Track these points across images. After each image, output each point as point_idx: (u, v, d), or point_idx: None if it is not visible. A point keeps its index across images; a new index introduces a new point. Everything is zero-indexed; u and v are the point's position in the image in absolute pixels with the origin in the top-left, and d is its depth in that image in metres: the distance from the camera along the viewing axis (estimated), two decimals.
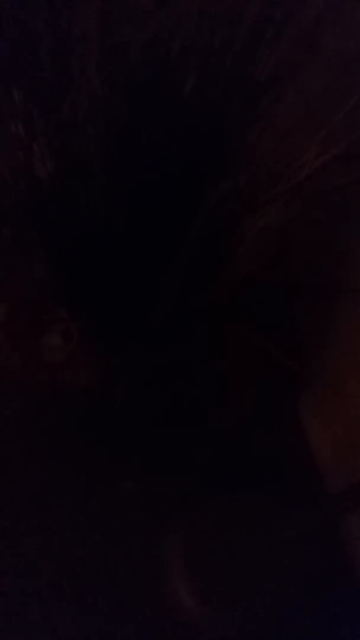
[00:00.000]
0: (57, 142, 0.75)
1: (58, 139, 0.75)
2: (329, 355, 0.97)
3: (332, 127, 0.57)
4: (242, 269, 0.81)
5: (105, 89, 0.64)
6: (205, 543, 0.86)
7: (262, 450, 0.95)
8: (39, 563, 0.80)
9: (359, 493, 0.75)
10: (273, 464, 0.94)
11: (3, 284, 0.81)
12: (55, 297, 0.82)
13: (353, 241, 0.81)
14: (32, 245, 0.81)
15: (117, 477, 0.89)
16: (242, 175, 0.66)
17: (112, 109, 0.66)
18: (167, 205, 0.75)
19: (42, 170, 0.79)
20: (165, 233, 0.77)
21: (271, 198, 0.65)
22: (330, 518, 0.90)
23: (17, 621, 0.77)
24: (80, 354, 0.86)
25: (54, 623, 0.77)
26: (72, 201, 0.79)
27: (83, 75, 0.60)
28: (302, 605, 0.83)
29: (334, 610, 0.84)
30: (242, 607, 0.82)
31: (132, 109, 0.66)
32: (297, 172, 0.61)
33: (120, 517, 0.86)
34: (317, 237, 0.82)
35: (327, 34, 0.58)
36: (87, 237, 0.81)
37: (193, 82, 0.62)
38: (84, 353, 0.86)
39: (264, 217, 0.69)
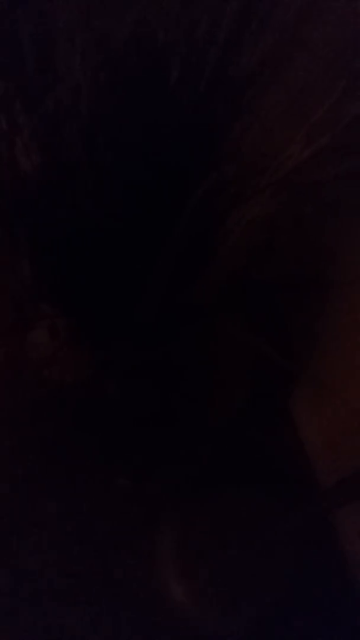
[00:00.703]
0: (42, 136, 0.75)
1: (42, 133, 0.74)
2: (320, 350, 0.97)
3: (316, 119, 0.56)
4: (230, 264, 0.81)
5: (89, 82, 0.63)
6: (199, 541, 0.87)
7: (255, 447, 0.95)
8: (34, 563, 0.80)
9: (348, 488, 0.75)
10: (266, 461, 0.94)
11: None
12: (41, 293, 0.81)
13: (342, 235, 0.81)
14: (18, 241, 0.80)
15: (111, 474, 0.89)
16: (229, 167, 0.66)
17: (97, 102, 0.65)
18: (153, 198, 0.74)
19: (27, 164, 0.78)
20: (152, 227, 0.77)
21: (258, 190, 0.65)
22: (322, 513, 0.90)
23: (13, 620, 0.76)
24: (67, 350, 0.85)
25: (49, 622, 0.77)
26: (58, 195, 0.78)
27: (66, 67, 0.59)
28: (296, 602, 0.84)
29: (326, 606, 0.85)
30: (236, 604, 0.83)
31: (116, 102, 0.65)
32: (283, 164, 0.61)
33: (115, 514, 0.86)
34: (306, 232, 0.82)
35: (313, 25, 0.58)
36: (74, 231, 0.80)
37: (177, 74, 0.62)
38: (71, 350, 0.86)
39: (251, 210, 0.69)
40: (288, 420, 1.05)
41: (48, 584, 0.79)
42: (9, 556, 0.80)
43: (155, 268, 0.80)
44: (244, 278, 0.85)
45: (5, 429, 0.84)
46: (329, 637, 0.81)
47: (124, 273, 0.81)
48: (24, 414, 0.85)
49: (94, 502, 0.86)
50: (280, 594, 0.83)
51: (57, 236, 0.80)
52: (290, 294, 0.92)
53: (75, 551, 0.82)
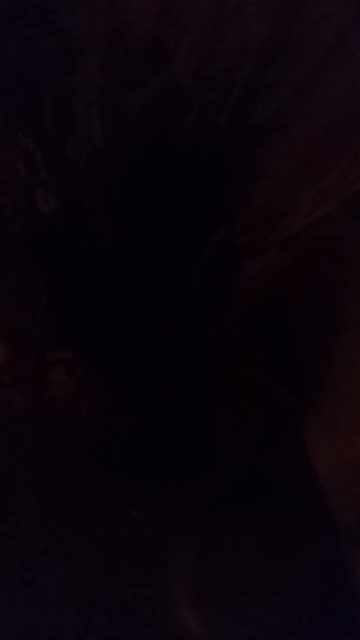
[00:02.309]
0: (60, 184, 0.78)
1: (61, 182, 0.77)
2: (334, 387, 0.98)
3: (324, 184, 0.59)
4: (243, 306, 0.83)
5: (107, 139, 0.66)
6: (210, 569, 0.87)
7: (268, 479, 0.95)
8: (46, 587, 0.81)
9: None
10: (280, 494, 0.95)
11: (5, 323, 0.83)
12: (58, 334, 0.84)
13: (353, 278, 0.83)
14: (34, 283, 0.83)
15: (122, 505, 0.90)
16: (239, 221, 0.68)
17: (113, 157, 0.68)
18: (167, 246, 0.77)
19: (46, 208, 0.82)
20: (166, 272, 0.79)
21: (269, 243, 0.67)
22: (338, 549, 0.90)
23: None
24: (83, 389, 0.87)
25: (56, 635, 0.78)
26: (74, 239, 0.81)
27: (85, 129, 0.62)
28: (312, 633, 0.84)
29: (336, 627, 0.85)
30: (246, 622, 0.83)
31: (132, 158, 0.68)
32: (292, 222, 0.63)
33: (126, 543, 0.87)
34: (318, 275, 0.84)
35: (321, 88, 0.60)
36: (89, 274, 0.83)
37: (191, 134, 0.64)
38: (87, 388, 0.88)
39: (263, 261, 0.71)
40: (303, 455, 1.05)
41: (57, 610, 0.81)
42: (21, 582, 0.82)
43: (169, 310, 0.83)
44: (257, 318, 0.87)
45: (25, 463, 0.86)
46: None
47: (139, 314, 0.84)
48: (42, 450, 0.87)
49: (106, 531, 0.88)
50: (294, 615, 0.83)
51: (73, 278, 0.83)
52: (303, 333, 0.93)
53: (85, 578, 0.83)
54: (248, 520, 0.89)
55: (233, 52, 0.55)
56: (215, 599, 0.84)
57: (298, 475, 0.99)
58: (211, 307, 0.84)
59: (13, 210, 0.83)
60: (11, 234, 0.83)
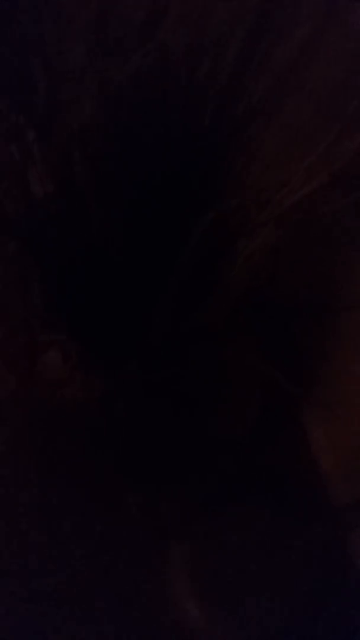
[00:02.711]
0: (53, 166, 0.78)
1: (53, 163, 0.77)
2: (331, 372, 0.98)
3: (314, 158, 0.58)
4: (236, 288, 0.83)
5: (97, 114, 0.66)
6: (209, 556, 0.87)
7: (266, 465, 0.95)
8: (43, 577, 0.81)
9: None
10: (277, 479, 0.95)
11: None
12: (52, 319, 0.84)
13: (351, 262, 0.82)
14: (29, 268, 0.83)
15: (121, 492, 0.90)
16: (232, 200, 0.68)
17: (104, 135, 0.68)
18: (160, 225, 0.77)
19: (40, 192, 0.81)
20: (160, 252, 0.79)
21: (260, 223, 0.67)
22: (334, 533, 0.90)
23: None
24: (78, 372, 0.87)
25: (53, 630, 0.78)
26: (69, 222, 0.81)
27: (76, 102, 0.62)
28: (309, 621, 0.83)
29: (336, 626, 0.85)
30: (246, 621, 0.83)
31: (123, 134, 0.68)
32: (284, 198, 0.63)
33: (124, 531, 0.87)
34: (315, 255, 0.83)
35: (313, 62, 0.60)
36: (84, 256, 0.83)
37: (181, 108, 0.64)
38: (82, 372, 0.88)
39: (255, 240, 0.71)
40: (300, 440, 1.05)
41: (55, 599, 0.81)
42: (18, 575, 0.82)
43: (164, 291, 0.83)
44: (252, 301, 0.86)
45: (20, 450, 0.86)
46: None
47: (133, 297, 0.84)
48: (37, 435, 0.87)
49: (105, 520, 0.87)
50: (294, 614, 0.83)
51: (67, 262, 0.83)
52: (299, 318, 0.93)
53: (85, 565, 0.83)
54: (246, 515, 0.89)
55: (223, 23, 0.55)
56: (216, 597, 0.84)
57: (297, 464, 0.99)
58: (205, 288, 0.84)
59: (7, 193, 0.82)
60: (4, 216, 0.83)
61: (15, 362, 0.81)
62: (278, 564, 0.85)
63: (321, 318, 0.92)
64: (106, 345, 0.88)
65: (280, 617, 0.82)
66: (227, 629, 0.83)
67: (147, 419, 0.93)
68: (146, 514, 0.88)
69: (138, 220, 0.76)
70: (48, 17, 0.56)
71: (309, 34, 0.58)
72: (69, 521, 0.85)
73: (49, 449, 0.90)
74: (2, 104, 0.74)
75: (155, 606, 0.82)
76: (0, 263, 0.82)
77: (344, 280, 0.83)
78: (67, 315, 0.86)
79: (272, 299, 0.88)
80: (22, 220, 0.83)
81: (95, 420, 0.92)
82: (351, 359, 0.90)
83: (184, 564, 0.85)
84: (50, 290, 0.82)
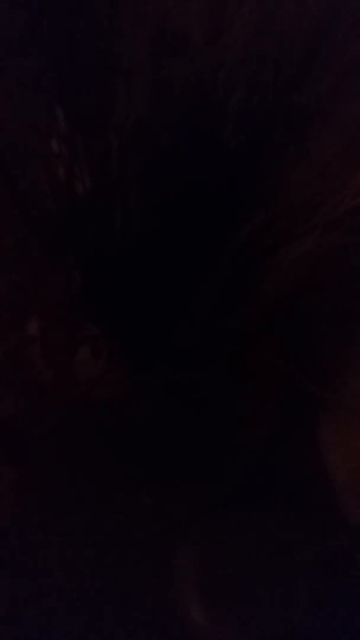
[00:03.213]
0: (96, 163, 0.78)
1: (97, 161, 0.77)
2: (352, 380, 0.97)
3: None
4: (273, 295, 0.82)
5: (148, 115, 0.66)
6: (216, 557, 0.86)
7: (278, 468, 0.95)
8: (47, 576, 0.81)
9: None
10: (289, 483, 0.94)
11: (37, 297, 0.83)
12: (88, 314, 0.84)
13: None
14: (66, 260, 0.83)
15: (130, 492, 0.90)
16: (279, 205, 0.67)
17: (154, 134, 0.68)
18: (200, 228, 0.76)
19: (80, 187, 0.81)
20: (198, 254, 0.78)
21: (307, 230, 0.66)
22: (348, 549, 0.90)
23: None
24: (108, 371, 0.87)
25: (58, 630, 0.79)
26: (108, 220, 0.81)
27: (129, 102, 0.62)
28: (316, 629, 0.83)
29: (339, 633, 0.84)
30: (250, 623, 0.82)
31: (173, 137, 0.67)
32: (334, 207, 0.62)
33: (132, 530, 0.86)
34: (346, 264, 0.83)
35: None
36: (121, 255, 0.82)
37: (235, 113, 0.64)
38: (112, 370, 0.88)
39: (300, 247, 0.70)
40: (317, 448, 1.04)
41: (64, 597, 0.81)
42: (31, 570, 0.82)
43: (199, 295, 0.82)
44: (286, 307, 0.86)
45: (45, 449, 0.86)
46: None
47: (166, 298, 0.83)
48: (64, 432, 0.87)
49: (113, 520, 0.87)
50: (301, 620, 0.82)
51: (105, 258, 0.83)
52: (327, 324, 0.92)
53: (90, 565, 0.83)
54: (255, 517, 0.89)
55: (288, 27, 0.54)
56: (221, 599, 0.83)
57: (310, 471, 0.98)
58: (240, 295, 0.83)
59: (47, 186, 0.82)
60: (43, 209, 0.83)
61: (55, 356, 0.80)
62: (284, 568, 0.84)
63: (345, 326, 0.92)
64: (137, 344, 0.88)
65: (284, 622, 0.81)
66: (230, 630, 0.83)
67: (163, 417, 0.93)
68: (155, 514, 0.88)
69: (179, 220, 0.76)
70: (121, 11, 0.55)
71: None
72: (76, 520, 0.85)
73: (72, 445, 0.90)
74: (48, 96, 0.74)
75: (160, 606, 0.81)
76: (40, 258, 0.82)
77: None
78: (101, 312, 0.87)
79: (302, 305, 0.88)
80: (61, 213, 0.83)
81: (119, 420, 0.92)
82: None
83: (190, 565, 0.85)
84: (87, 283, 0.82)
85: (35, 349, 0.80)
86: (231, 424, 0.95)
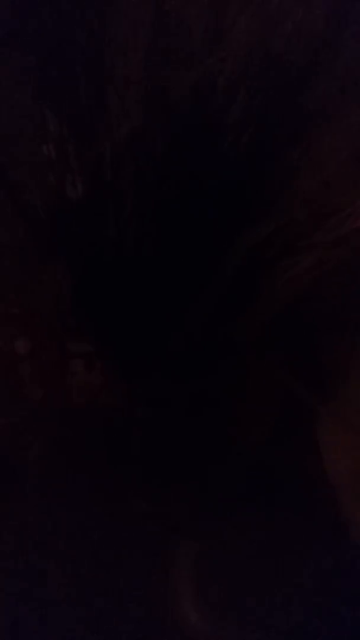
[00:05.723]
0: (90, 168, 0.75)
1: (91, 166, 0.74)
2: (352, 390, 0.97)
3: None
4: (276, 306, 0.80)
5: (143, 127, 0.63)
6: (215, 557, 0.84)
7: (281, 473, 0.94)
8: (45, 576, 0.80)
9: None
10: (292, 489, 0.94)
11: (26, 313, 0.81)
12: (79, 324, 0.82)
13: None
14: (56, 271, 0.81)
15: (129, 491, 0.89)
16: (281, 216, 0.65)
17: (150, 143, 0.65)
18: (198, 238, 0.74)
19: (72, 192, 0.79)
20: (196, 266, 0.77)
21: (310, 245, 0.64)
22: (350, 557, 0.89)
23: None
24: (102, 385, 0.86)
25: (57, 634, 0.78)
26: (100, 226, 0.79)
27: (121, 111, 0.59)
28: (316, 630, 0.81)
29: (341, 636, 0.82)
30: (248, 624, 0.81)
31: (169, 143, 0.65)
32: (341, 221, 0.59)
33: (131, 530, 0.84)
34: (349, 274, 0.81)
35: None
36: (116, 263, 0.80)
37: (235, 120, 0.61)
38: (105, 380, 0.86)
39: (306, 258, 0.68)
40: (317, 456, 1.03)
41: (57, 594, 0.79)
42: (24, 573, 0.80)
43: (196, 307, 0.80)
44: (289, 317, 0.84)
45: (36, 460, 0.85)
46: None
47: (163, 308, 0.82)
48: (56, 447, 0.86)
49: (112, 519, 0.86)
50: (300, 622, 0.81)
51: (97, 270, 0.81)
52: (330, 334, 0.91)
53: (88, 564, 0.82)
54: (255, 518, 0.88)
55: (292, 30, 0.51)
56: (219, 599, 0.82)
57: (311, 474, 0.98)
58: (240, 306, 0.82)
59: (37, 192, 0.80)
60: (33, 217, 0.81)
61: (45, 376, 0.79)
62: (283, 570, 0.83)
63: (348, 336, 0.91)
64: (131, 357, 0.86)
65: (283, 624, 0.80)
66: (229, 631, 0.82)
67: (163, 422, 0.92)
68: (154, 513, 0.86)
69: (176, 230, 0.74)
70: (111, 20, 0.52)
71: None
72: (74, 519, 0.84)
73: (67, 453, 0.89)
74: (40, 100, 0.72)
75: (157, 606, 0.81)
76: (30, 270, 0.80)
77: None
78: (94, 325, 0.84)
79: (305, 315, 0.86)
80: (52, 221, 0.81)
81: (115, 433, 0.91)
82: None
83: (189, 564, 0.84)
84: (79, 296, 0.80)
85: (24, 369, 0.78)
86: (231, 425, 0.94)
